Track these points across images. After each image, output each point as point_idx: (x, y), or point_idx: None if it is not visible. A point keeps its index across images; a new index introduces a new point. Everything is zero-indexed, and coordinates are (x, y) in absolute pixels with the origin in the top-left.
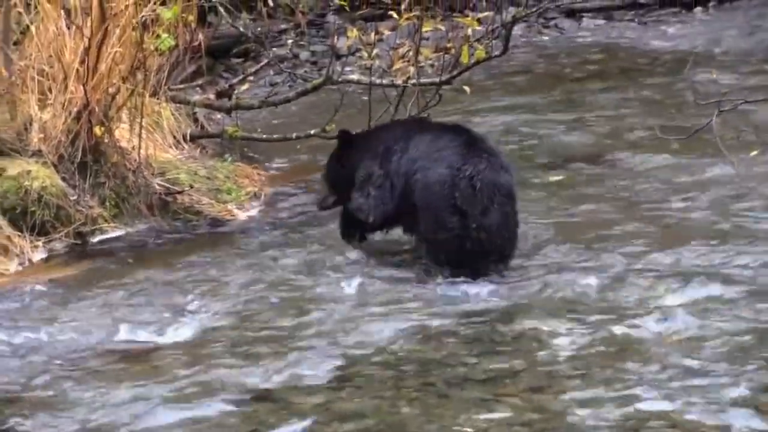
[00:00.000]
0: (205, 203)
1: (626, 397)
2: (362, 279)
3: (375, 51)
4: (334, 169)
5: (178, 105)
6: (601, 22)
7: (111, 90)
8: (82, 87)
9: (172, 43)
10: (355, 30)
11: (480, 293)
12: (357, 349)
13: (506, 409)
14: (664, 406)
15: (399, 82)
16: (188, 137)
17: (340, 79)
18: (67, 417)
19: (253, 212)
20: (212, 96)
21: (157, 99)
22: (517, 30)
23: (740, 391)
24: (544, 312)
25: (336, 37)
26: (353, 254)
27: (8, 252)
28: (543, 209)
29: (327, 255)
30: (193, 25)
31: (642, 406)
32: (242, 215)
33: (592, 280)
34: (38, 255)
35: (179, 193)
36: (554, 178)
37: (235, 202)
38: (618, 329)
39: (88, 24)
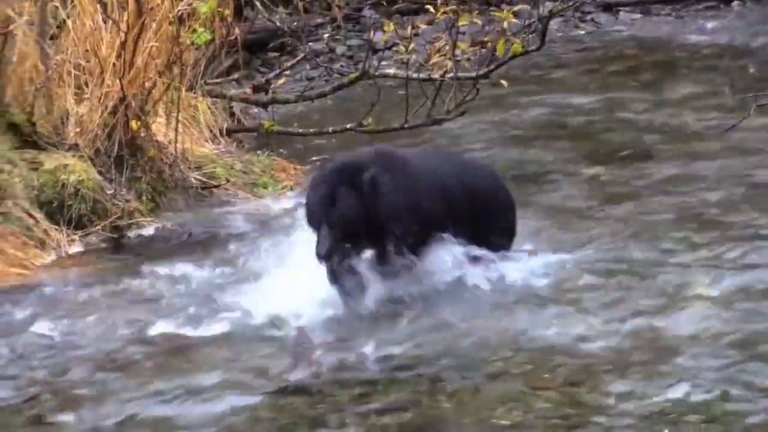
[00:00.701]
0: (242, 197)
1: (663, 390)
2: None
3: (411, 45)
4: (354, 210)
5: (214, 99)
6: (638, 16)
7: (147, 84)
8: (118, 81)
9: (209, 37)
10: (391, 24)
11: (514, 284)
12: (394, 344)
13: (543, 403)
14: (702, 398)
15: (436, 76)
16: (224, 131)
17: (376, 74)
18: (104, 409)
19: (289, 206)
20: (248, 90)
21: (194, 93)
22: (554, 24)
23: None
24: (578, 305)
25: (372, 31)
26: None
27: (45, 245)
28: (581, 203)
29: None
30: (230, 20)
31: (680, 398)
32: (278, 209)
33: (627, 274)
34: (75, 248)
35: (216, 187)
36: (592, 171)
37: (272, 196)
38: (654, 322)
39: (125, 18)
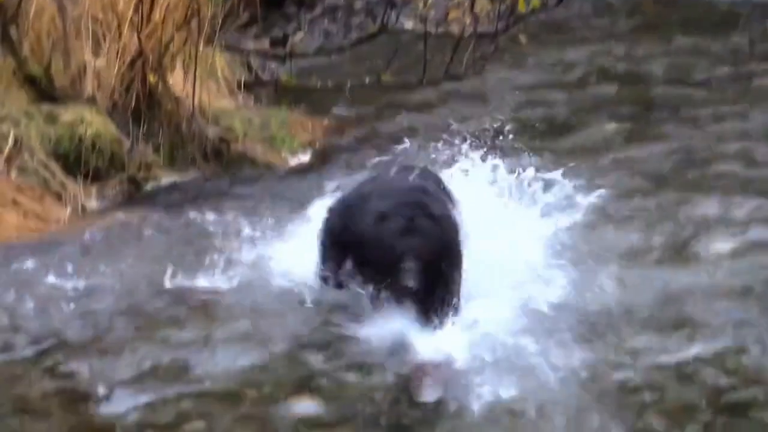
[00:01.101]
0: (259, 151)
1: (680, 345)
2: None
3: (430, 0)
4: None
5: (232, 53)
6: None
7: (165, 38)
8: (136, 35)
9: None
10: None
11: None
12: None
13: (554, 358)
14: (719, 352)
15: (455, 31)
16: (242, 86)
17: (394, 28)
18: (124, 362)
19: (306, 161)
20: (267, 44)
21: (212, 47)
22: None
23: None
24: (594, 258)
25: None
26: None
27: (62, 199)
28: (598, 158)
29: None
30: None
31: (697, 353)
32: (295, 164)
33: (642, 228)
34: (92, 202)
35: (233, 141)
36: (609, 126)
37: (289, 151)
38: (669, 277)
39: None
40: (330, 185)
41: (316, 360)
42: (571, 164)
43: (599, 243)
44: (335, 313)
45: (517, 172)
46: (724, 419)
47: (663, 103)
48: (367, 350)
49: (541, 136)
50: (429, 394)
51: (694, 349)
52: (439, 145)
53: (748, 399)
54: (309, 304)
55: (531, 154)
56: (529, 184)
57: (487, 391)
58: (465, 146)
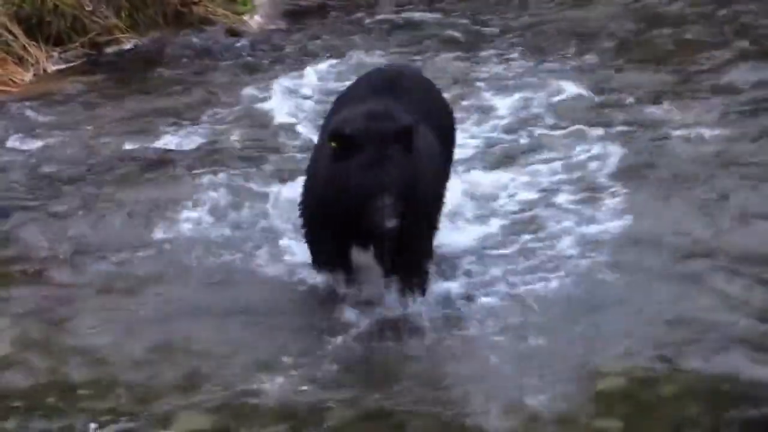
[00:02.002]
0: (220, 14)
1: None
2: None
3: None
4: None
5: None
6: None
7: None
8: None
9: None
10: None
11: None
12: None
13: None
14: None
15: None
16: None
17: None
18: (83, 226)
19: (267, 26)
20: None
21: None
22: None
23: None
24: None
25: None
26: None
27: (24, 62)
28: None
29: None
30: None
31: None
32: (255, 26)
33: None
34: (53, 65)
35: (194, 3)
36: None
37: (250, 13)
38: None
39: None
40: (288, 48)
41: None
42: None
43: None
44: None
45: None
46: None
47: None
48: None
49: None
50: None
51: None
52: None
53: None
54: (261, 161)
55: None
56: None
57: None
58: None
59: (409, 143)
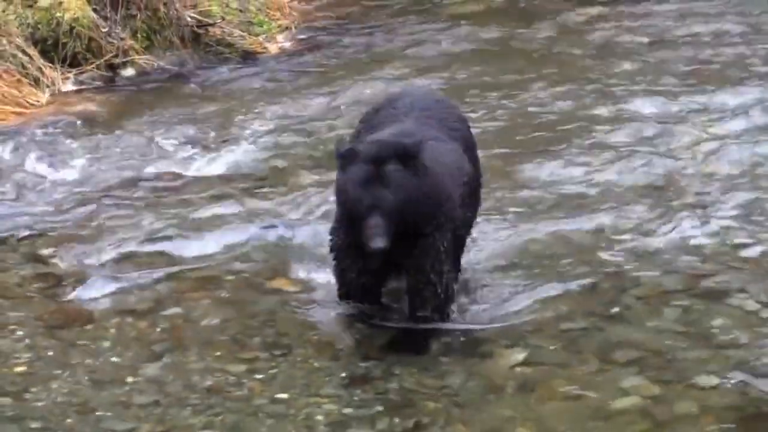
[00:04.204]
0: (237, 36)
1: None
2: None
3: None
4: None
5: None
6: None
7: None
8: None
9: None
10: None
11: None
12: None
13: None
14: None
15: None
16: None
17: None
18: (101, 247)
19: (285, 46)
20: None
21: None
22: None
23: None
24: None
25: None
26: None
27: (40, 83)
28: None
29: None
30: None
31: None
32: (273, 49)
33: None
34: (69, 86)
35: (211, 25)
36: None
37: (267, 36)
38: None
39: None
40: (306, 71)
41: (291, 242)
42: None
43: None
44: (311, 199)
45: None
46: None
47: None
48: None
49: None
50: None
51: None
52: None
53: None
54: (280, 191)
55: None
56: None
57: None
58: None
59: (412, 164)
